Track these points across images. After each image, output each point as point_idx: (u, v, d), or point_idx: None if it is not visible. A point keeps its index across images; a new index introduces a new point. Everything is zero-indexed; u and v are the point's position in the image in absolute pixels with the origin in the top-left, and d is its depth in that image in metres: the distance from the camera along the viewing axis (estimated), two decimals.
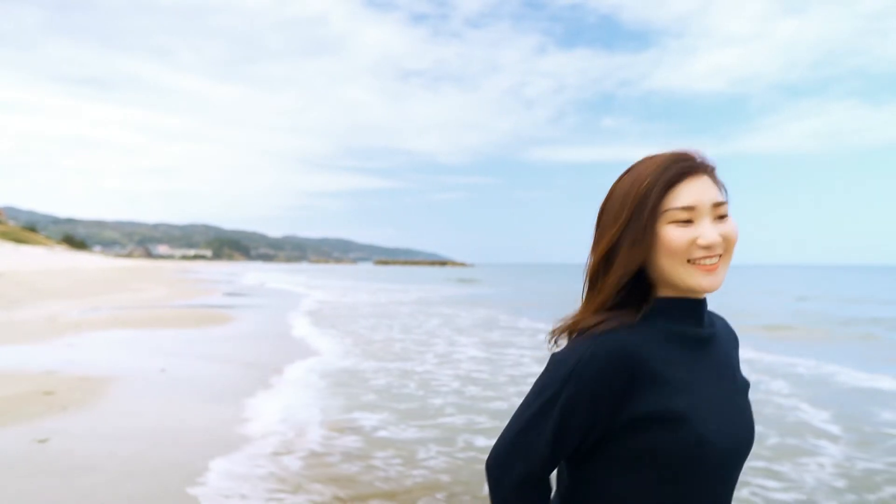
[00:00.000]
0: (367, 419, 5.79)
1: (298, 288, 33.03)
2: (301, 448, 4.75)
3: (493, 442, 4.36)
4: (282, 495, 3.79)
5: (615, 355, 0.90)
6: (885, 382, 7.92)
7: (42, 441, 4.58)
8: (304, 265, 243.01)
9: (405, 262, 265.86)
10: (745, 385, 1.04)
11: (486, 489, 3.92)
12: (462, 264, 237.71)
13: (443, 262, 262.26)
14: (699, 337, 0.98)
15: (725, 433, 0.93)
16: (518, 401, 6.37)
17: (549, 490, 1.01)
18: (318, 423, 5.50)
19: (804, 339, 12.97)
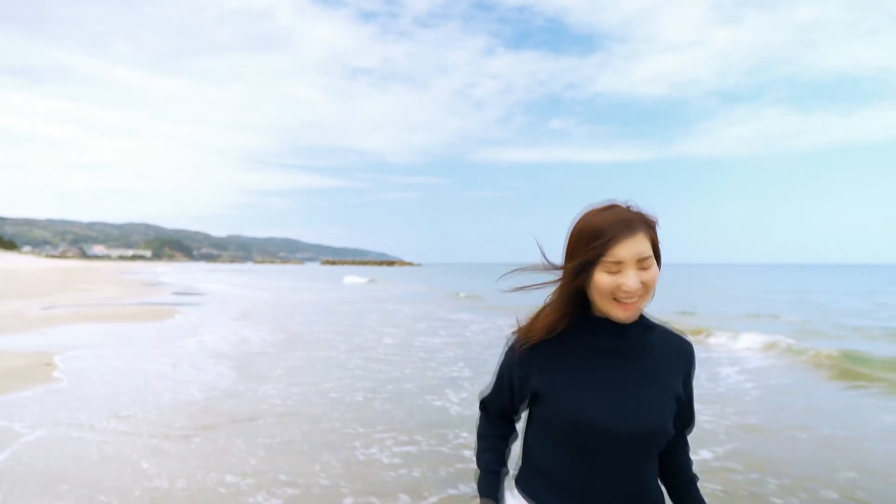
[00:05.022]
0: (249, 385, 6.93)
1: (235, 289, 33.58)
2: (158, 398, 6.38)
3: (351, 397, 7.95)
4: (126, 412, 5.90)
5: (522, 353, 1.36)
6: None
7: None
8: (248, 265, 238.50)
9: (353, 262, 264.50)
10: (665, 389, 1.33)
11: (298, 409, 6.46)
12: (410, 264, 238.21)
13: (391, 262, 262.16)
14: (615, 348, 1.32)
15: (615, 417, 1.27)
16: (411, 373, 9.11)
17: (502, 424, 1.50)
18: (197, 388, 6.74)
19: None
